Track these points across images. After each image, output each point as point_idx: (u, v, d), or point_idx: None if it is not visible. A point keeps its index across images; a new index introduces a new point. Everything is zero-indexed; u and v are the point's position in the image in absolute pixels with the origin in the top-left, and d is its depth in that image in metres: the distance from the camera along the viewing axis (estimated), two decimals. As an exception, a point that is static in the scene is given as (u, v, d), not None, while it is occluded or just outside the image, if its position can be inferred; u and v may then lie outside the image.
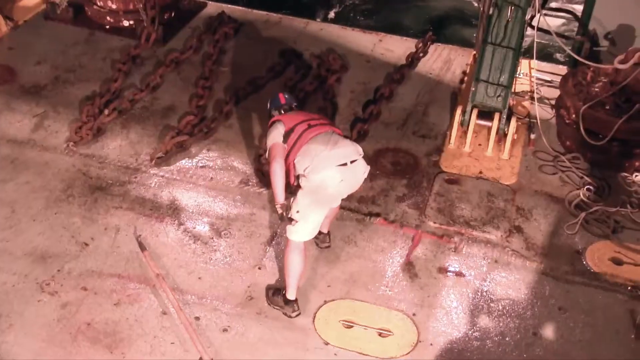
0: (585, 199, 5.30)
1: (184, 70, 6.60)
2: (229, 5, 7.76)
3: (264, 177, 5.34)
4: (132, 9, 7.12)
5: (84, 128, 5.67)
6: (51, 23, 7.18)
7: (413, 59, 6.85)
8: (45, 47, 6.81)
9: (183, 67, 6.63)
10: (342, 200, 5.12)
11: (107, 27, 7.19)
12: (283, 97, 4.82)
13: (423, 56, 6.95)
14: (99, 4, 7.20)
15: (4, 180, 5.24)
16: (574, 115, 5.61)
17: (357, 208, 5.21)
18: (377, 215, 5.12)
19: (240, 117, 6.06)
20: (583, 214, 5.15)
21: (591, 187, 5.38)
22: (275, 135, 4.44)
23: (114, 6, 7.15)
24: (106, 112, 5.87)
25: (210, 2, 7.78)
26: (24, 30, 7.05)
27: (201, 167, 5.53)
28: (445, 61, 6.90)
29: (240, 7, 7.75)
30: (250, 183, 5.38)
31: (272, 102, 4.83)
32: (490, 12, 5.79)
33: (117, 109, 5.94)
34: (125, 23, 7.18)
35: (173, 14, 7.38)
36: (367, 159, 5.52)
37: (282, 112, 4.71)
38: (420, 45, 7.00)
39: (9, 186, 5.21)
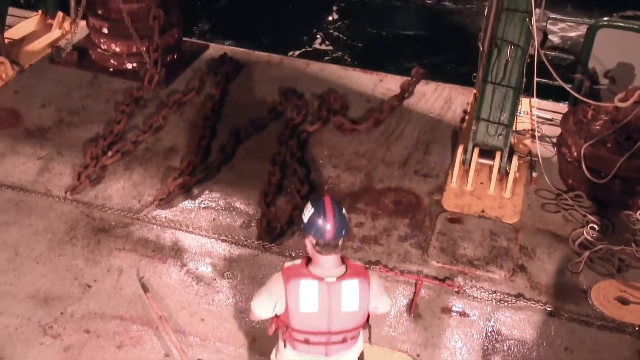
0: (589, 238, 5.28)
1: (186, 112, 6.65)
2: (231, 47, 7.86)
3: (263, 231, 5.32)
4: (135, 52, 7.19)
5: (83, 174, 5.69)
6: (56, 66, 7.26)
7: (402, 97, 6.94)
8: (50, 90, 6.89)
9: (185, 108, 6.69)
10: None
11: (111, 69, 7.27)
12: (332, 230, 3.24)
13: (409, 95, 7.03)
14: (102, 47, 7.28)
15: (7, 223, 5.25)
16: (575, 153, 5.63)
17: (360, 248, 5.21)
18: (377, 263, 5.09)
19: (241, 157, 6.09)
20: (587, 253, 5.12)
21: (595, 226, 5.36)
22: (268, 305, 3.32)
23: (117, 49, 7.24)
24: (109, 153, 5.91)
25: (212, 44, 7.89)
26: (29, 74, 7.14)
27: (203, 208, 5.54)
28: (446, 100, 6.95)
29: (242, 49, 7.84)
30: (252, 224, 5.38)
31: (313, 224, 3.27)
32: (490, 51, 5.88)
33: (120, 150, 5.97)
34: (129, 65, 7.26)
35: (176, 56, 7.46)
36: (370, 198, 5.64)
37: (317, 251, 3.27)
38: (408, 83, 7.11)
39: (13, 229, 5.22)
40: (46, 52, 7.49)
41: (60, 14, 7.89)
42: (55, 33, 7.81)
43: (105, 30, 7.26)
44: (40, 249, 5.05)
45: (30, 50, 7.48)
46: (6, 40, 7.07)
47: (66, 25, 7.85)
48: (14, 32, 7.60)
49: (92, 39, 7.42)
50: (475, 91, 6.76)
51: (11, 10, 7.42)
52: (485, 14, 6.23)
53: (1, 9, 6.89)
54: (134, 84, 6.95)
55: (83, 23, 7.88)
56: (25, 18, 7.95)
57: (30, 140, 6.17)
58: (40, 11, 7.98)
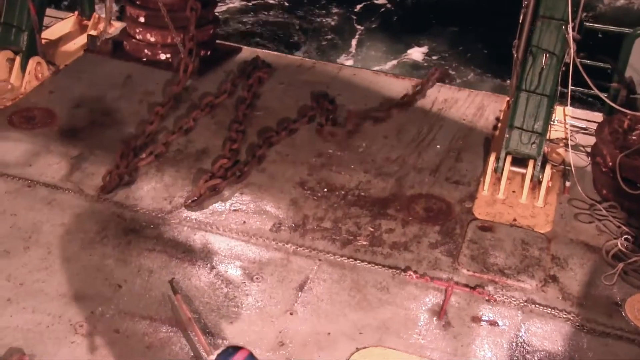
0: (623, 249, 5.20)
1: (217, 114, 6.68)
2: (263, 50, 7.89)
3: None
4: (170, 43, 7.30)
5: (113, 174, 5.73)
6: (90, 66, 7.35)
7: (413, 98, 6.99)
8: (84, 90, 6.96)
9: (217, 110, 6.71)
10: (374, 245, 5.15)
11: (144, 59, 7.40)
12: None
13: (421, 97, 7.04)
14: (138, 37, 7.38)
15: (40, 222, 5.30)
16: (610, 164, 5.56)
17: (390, 254, 5.18)
18: (407, 269, 5.05)
19: (273, 160, 6.10)
20: (621, 265, 5.04)
21: (629, 237, 5.27)
22: None
23: (152, 39, 7.38)
24: (143, 155, 5.95)
25: (244, 47, 7.92)
26: (65, 75, 7.22)
27: (234, 210, 5.55)
28: (479, 107, 6.91)
29: (274, 52, 7.88)
30: (282, 228, 5.39)
31: None
32: (525, 59, 5.83)
33: (153, 152, 6.01)
34: (162, 56, 7.40)
35: (209, 53, 7.54)
36: (401, 204, 5.62)
37: None
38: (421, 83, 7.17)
39: (46, 227, 5.27)
40: (81, 52, 7.58)
41: (95, 15, 8.00)
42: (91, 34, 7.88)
43: (142, 19, 7.40)
44: (72, 248, 5.09)
45: (65, 50, 7.57)
46: (43, 41, 7.14)
47: (101, 26, 7.93)
48: (50, 33, 7.70)
49: (127, 30, 7.55)
50: (508, 99, 6.71)
51: (48, 11, 7.50)
52: (520, 21, 6.17)
53: (40, 10, 6.95)
54: (167, 74, 7.06)
55: (117, 24, 8.01)
56: (62, 19, 8.05)
57: (64, 139, 6.24)
58: (76, 12, 8.08)
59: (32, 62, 6.89)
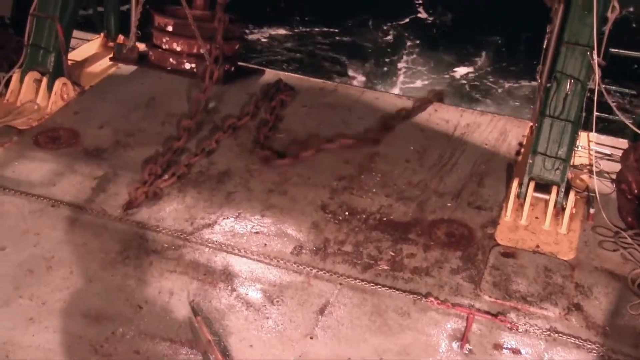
0: (649, 278, 5.15)
1: (240, 136, 6.71)
2: (286, 73, 7.93)
3: None
4: (195, 52, 7.40)
5: (139, 190, 5.78)
6: (114, 87, 7.44)
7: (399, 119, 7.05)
8: (108, 111, 7.03)
9: (239, 133, 6.75)
10: (395, 270, 5.12)
11: (169, 68, 7.50)
12: None
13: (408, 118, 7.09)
14: (164, 46, 7.50)
15: (63, 241, 5.33)
16: (636, 191, 5.50)
17: (411, 279, 5.15)
18: (428, 295, 5.02)
19: (294, 183, 6.10)
20: (647, 294, 4.99)
21: (655, 266, 5.22)
22: None
23: (178, 48, 7.46)
24: (166, 177, 5.99)
25: (267, 69, 7.97)
26: (90, 95, 7.30)
27: (255, 233, 5.55)
28: (501, 132, 6.88)
29: (296, 75, 7.91)
30: (303, 251, 5.38)
31: None
32: (549, 84, 5.81)
33: (175, 173, 6.04)
34: (187, 66, 7.49)
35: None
36: (422, 228, 5.59)
37: None
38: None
39: (68, 247, 5.30)
40: (106, 73, 7.67)
41: (121, 37, 8.09)
42: (115, 55, 7.99)
43: (170, 28, 7.51)
44: (93, 268, 5.11)
45: (91, 71, 7.66)
46: (69, 62, 7.24)
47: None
48: (76, 54, 7.81)
49: (153, 40, 7.66)
50: (531, 124, 6.68)
51: (75, 32, 7.60)
52: (544, 46, 6.16)
53: (67, 32, 7.06)
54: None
55: (142, 46, 8.09)
56: (88, 40, 8.17)
57: (88, 160, 6.29)
58: (102, 34, 8.18)
59: (58, 83, 6.98)
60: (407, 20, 15.18)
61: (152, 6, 7.50)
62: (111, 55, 7.82)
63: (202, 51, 7.16)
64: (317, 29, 14.70)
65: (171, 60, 7.50)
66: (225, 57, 7.32)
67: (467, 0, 15.10)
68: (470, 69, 13.53)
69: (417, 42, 14.36)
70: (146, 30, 7.80)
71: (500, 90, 12.76)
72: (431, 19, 15.16)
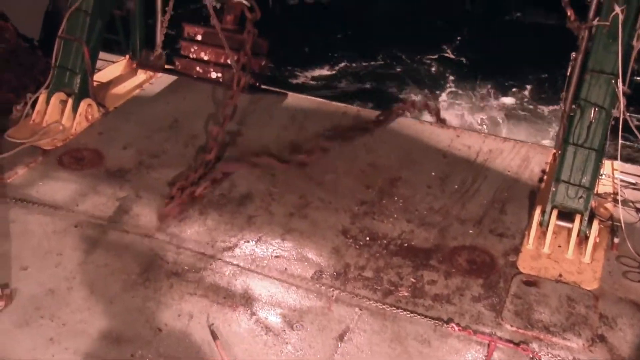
0: (674, 310, 5.06)
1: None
2: (308, 97, 7.97)
3: None
4: (222, 62, 7.57)
5: (170, 205, 5.87)
6: (138, 109, 7.52)
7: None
8: (132, 132, 7.09)
9: (262, 156, 6.76)
10: (416, 297, 5.07)
11: (195, 76, 7.63)
12: None
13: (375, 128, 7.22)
14: (191, 55, 7.62)
15: (85, 262, 5.37)
16: (661, 221, 5.45)
17: (431, 306, 5.11)
18: (450, 321, 4.98)
19: (315, 207, 6.10)
20: (672, 326, 4.90)
21: (681, 298, 5.13)
22: None
23: (205, 57, 7.58)
24: (201, 185, 6.10)
25: (290, 93, 8.00)
26: (114, 116, 7.38)
27: (276, 257, 5.54)
28: (524, 159, 6.84)
29: (319, 99, 7.94)
30: (324, 276, 5.36)
31: None
32: (572, 112, 5.78)
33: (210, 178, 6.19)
34: (213, 75, 7.62)
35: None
36: (444, 255, 5.55)
37: None
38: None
39: (90, 267, 5.33)
40: (131, 95, 7.76)
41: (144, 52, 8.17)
42: (140, 77, 8.08)
43: (199, 37, 7.68)
44: (114, 289, 5.13)
45: (115, 93, 7.75)
46: (94, 84, 7.32)
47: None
48: (102, 76, 7.90)
49: (181, 51, 7.81)
50: (554, 151, 6.64)
51: (101, 54, 7.69)
52: (569, 73, 6.14)
53: (93, 54, 7.15)
54: (215, 122, 7.15)
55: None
56: (114, 62, 8.27)
57: (111, 180, 6.34)
58: (127, 56, 8.27)
59: (83, 104, 7.06)
60: (436, 56, 15.36)
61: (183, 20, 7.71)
62: (135, 79, 7.92)
63: (229, 61, 7.25)
64: (348, 64, 14.89)
65: (198, 68, 7.61)
66: (252, 70, 7.39)
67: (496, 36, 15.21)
68: (509, 100, 13.58)
69: (451, 75, 14.50)
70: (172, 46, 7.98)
71: (540, 120, 12.78)
72: (464, 56, 15.35)
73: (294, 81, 13.96)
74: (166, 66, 8.08)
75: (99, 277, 5.24)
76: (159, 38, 7.77)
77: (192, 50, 7.67)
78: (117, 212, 5.93)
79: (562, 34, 6.21)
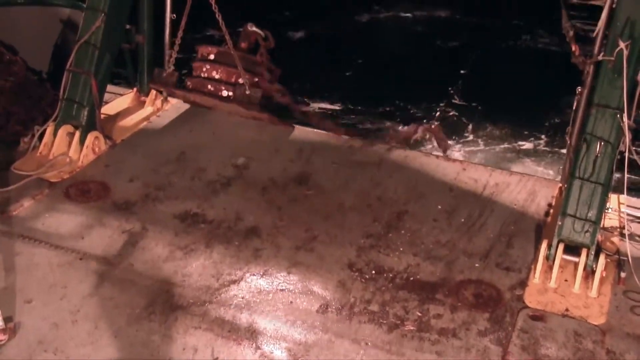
0: (682, 346, 5.01)
1: (268, 193, 6.74)
2: (315, 130, 8.00)
3: None
4: (234, 82, 7.62)
5: None
6: (145, 141, 7.56)
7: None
8: (139, 164, 7.12)
9: (268, 189, 6.79)
10: (422, 331, 5.04)
11: (207, 93, 7.73)
12: None
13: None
14: (203, 74, 7.73)
15: (90, 295, 5.36)
16: (668, 255, 5.42)
17: (437, 340, 5.07)
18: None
19: (322, 241, 6.09)
20: (681, 363, 4.85)
21: (689, 333, 5.09)
22: None
23: (217, 76, 7.65)
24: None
25: (296, 126, 8.04)
26: (121, 149, 7.42)
27: (281, 290, 5.52)
28: (530, 192, 6.83)
29: (325, 132, 7.96)
30: (329, 309, 5.33)
31: None
32: (578, 146, 5.78)
33: None
34: (225, 93, 7.64)
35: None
36: (450, 289, 5.53)
37: None
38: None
39: (94, 301, 5.32)
40: (138, 127, 7.80)
41: (153, 92, 8.23)
42: (147, 110, 8.14)
43: (212, 57, 7.77)
44: (119, 323, 5.11)
45: (123, 125, 7.79)
46: (102, 116, 7.37)
47: (158, 102, 8.19)
48: (109, 108, 7.96)
49: (193, 70, 7.89)
50: (560, 185, 6.64)
51: (108, 87, 7.76)
52: (574, 107, 6.16)
53: (101, 87, 7.21)
54: (222, 157, 7.29)
55: (174, 101, 8.25)
56: (121, 95, 8.34)
57: (117, 213, 6.35)
58: (135, 89, 8.35)
59: (90, 137, 7.10)
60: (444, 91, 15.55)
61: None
62: (143, 110, 8.00)
63: (241, 80, 7.39)
64: (354, 100, 15.03)
65: (209, 86, 7.67)
66: (264, 94, 7.51)
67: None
68: (531, 141, 13.66)
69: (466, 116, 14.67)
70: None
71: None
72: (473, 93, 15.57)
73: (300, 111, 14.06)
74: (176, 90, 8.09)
75: (104, 311, 5.23)
76: (172, 55, 7.80)
77: (205, 69, 7.73)
78: (122, 245, 5.93)
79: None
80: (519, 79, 15.06)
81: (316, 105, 14.51)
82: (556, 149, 12.94)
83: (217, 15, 7.35)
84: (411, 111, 14.49)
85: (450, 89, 15.34)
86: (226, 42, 7.47)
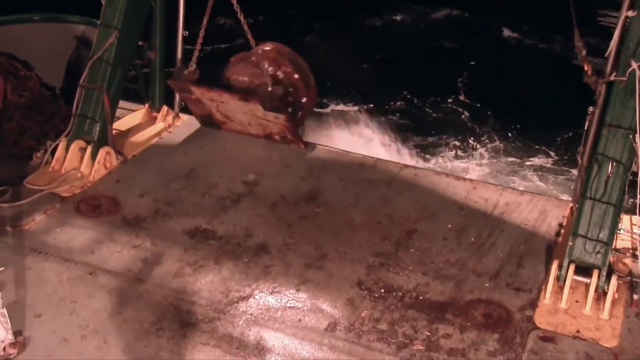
0: (694, 369, 4.96)
1: (277, 209, 6.75)
2: (325, 147, 8.01)
3: None
4: (259, 83, 7.66)
5: None
6: (156, 157, 7.58)
7: None
8: (149, 180, 7.14)
9: (278, 206, 6.79)
10: (431, 351, 5.01)
11: (229, 86, 7.78)
12: None
13: None
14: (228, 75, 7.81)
15: (99, 310, 5.36)
16: (681, 277, 5.37)
17: (447, 361, 5.05)
18: None
19: (331, 258, 6.08)
20: (693, 386, 4.79)
21: (702, 357, 5.03)
22: None
23: (244, 78, 7.74)
24: None
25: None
26: (132, 164, 7.44)
27: (290, 307, 5.51)
28: (541, 212, 6.80)
29: (335, 149, 7.97)
30: (338, 327, 5.31)
31: None
32: (590, 166, 5.76)
33: None
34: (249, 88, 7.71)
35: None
36: (459, 309, 5.49)
37: None
38: None
39: (103, 315, 5.32)
40: (149, 143, 7.83)
41: (164, 108, 8.28)
42: (159, 126, 8.17)
43: (233, 60, 7.85)
44: (127, 338, 5.11)
45: (134, 141, 7.83)
46: (114, 132, 7.41)
47: (169, 118, 8.22)
48: (121, 124, 8.01)
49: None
50: (572, 205, 6.61)
51: (121, 102, 7.80)
52: (586, 127, 6.15)
53: (113, 103, 7.26)
54: (231, 173, 7.27)
55: (185, 117, 8.28)
56: (133, 110, 8.38)
57: (127, 228, 6.36)
58: (147, 105, 8.39)
59: (102, 152, 7.13)
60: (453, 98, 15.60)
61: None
62: (154, 127, 8.04)
63: (267, 81, 7.45)
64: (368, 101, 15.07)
65: (233, 83, 7.70)
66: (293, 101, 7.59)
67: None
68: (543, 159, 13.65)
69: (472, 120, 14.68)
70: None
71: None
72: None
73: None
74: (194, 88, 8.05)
75: (113, 326, 5.22)
76: (195, 54, 7.82)
77: (231, 71, 7.79)
78: (132, 260, 5.93)
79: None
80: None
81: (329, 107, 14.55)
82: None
83: (239, 15, 7.49)
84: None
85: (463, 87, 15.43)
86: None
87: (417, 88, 15.42)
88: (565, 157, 13.63)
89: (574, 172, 13.01)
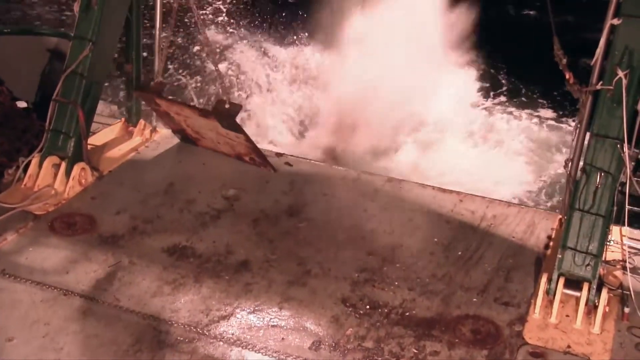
0: (689, 384, 4.85)
1: (259, 225, 6.58)
2: (310, 161, 7.89)
3: None
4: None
5: None
6: (133, 173, 7.39)
7: None
8: (126, 197, 6.94)
9: (259, 222, 6.62)
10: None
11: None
12: None
13: None
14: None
15: (74, 332, 5.15)
16: (673, 289, 5.27)
17: (436, 380, 4.90)
18: None
19: (315, 275, 5.92)
20: (688, 401, 4.68)
21: (696, 370, 4.93)
22: None
23: None
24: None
25: (288, 156, 7.91)
26: (108, 180, 7.23)
27: (272, 326, 5.34)
28: (529, 224, 6.69)
29: (320, 163, 7.86)
30: (322, 346, 5.15)
31: None
32: (578, 177, 5.67)
33: None
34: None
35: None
36: (447, 324, 5.35)
37: None
38: None
39: (79, 338, 5.11)
40: (125, 158, 7.64)
41: (142, 122, 8.09)
42: (135, 140, 7.97)
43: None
44: (104, 362, 4.92)
45: (110, 156, 7.62)
46: (89, 147, 7.20)
47: (147, 132, 8.04)
48: (96, 139, 7.77)
49: None
50: (560, 217, 6.51)
51: (96, 117, 7.60)
52: (574, 137, 6.06)
53: (88, 117, 7.07)
54: (211, 187, 7.13)
55: (163, 131, 8.12)
56: (109, 125, 8.18)
57: (103, 247, 6.16)
58: (123, 119, 8.21)
59: (76, 168, 6.92)
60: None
61: None
62: (132, 140, 7.88)
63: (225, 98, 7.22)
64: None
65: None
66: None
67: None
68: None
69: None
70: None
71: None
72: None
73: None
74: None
75: (89, 349, 5.03)
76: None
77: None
78: (109, 280, 5.73)
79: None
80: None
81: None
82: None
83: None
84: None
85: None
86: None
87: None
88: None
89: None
